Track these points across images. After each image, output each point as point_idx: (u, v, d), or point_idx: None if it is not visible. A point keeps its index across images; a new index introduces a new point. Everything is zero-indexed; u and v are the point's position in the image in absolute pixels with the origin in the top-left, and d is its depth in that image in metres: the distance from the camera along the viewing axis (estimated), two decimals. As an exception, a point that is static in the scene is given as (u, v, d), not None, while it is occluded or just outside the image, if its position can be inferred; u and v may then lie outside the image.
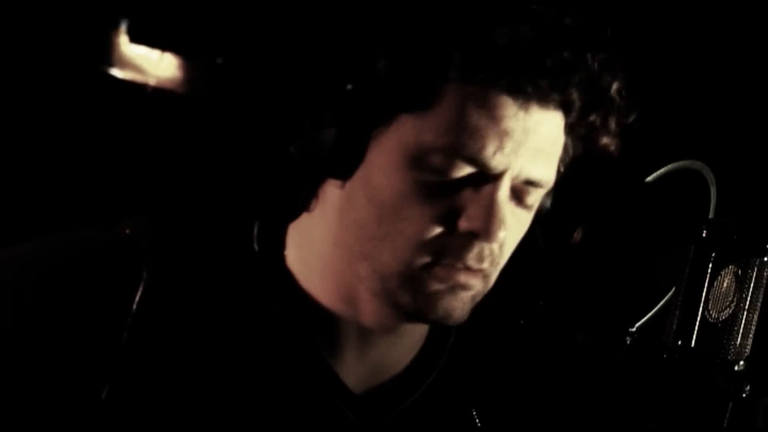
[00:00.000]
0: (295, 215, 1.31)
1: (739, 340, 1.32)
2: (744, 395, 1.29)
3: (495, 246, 1.23)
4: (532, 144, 1.21)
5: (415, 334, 1.33)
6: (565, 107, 1.22)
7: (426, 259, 1.22)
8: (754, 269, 1.32)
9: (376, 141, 1.22)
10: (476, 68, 1.19)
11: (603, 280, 1.33)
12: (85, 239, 1.30)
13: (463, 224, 1.21)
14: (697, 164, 1.33)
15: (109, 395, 1.22)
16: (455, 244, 1.22)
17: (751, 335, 1.32)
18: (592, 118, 1.23)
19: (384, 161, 1.22)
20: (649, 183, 1.33)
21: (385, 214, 1.22)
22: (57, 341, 1.22)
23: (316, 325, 1.29)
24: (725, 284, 1.33)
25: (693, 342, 1.33)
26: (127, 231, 1.30)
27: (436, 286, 1.23)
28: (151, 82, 2.30)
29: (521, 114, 1.20)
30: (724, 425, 1.30)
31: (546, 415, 1.36)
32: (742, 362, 1.31)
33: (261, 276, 1.29)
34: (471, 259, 1.23)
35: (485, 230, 1.20)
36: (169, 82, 2.28)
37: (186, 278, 1.28)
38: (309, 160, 1.24)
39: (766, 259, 1.32)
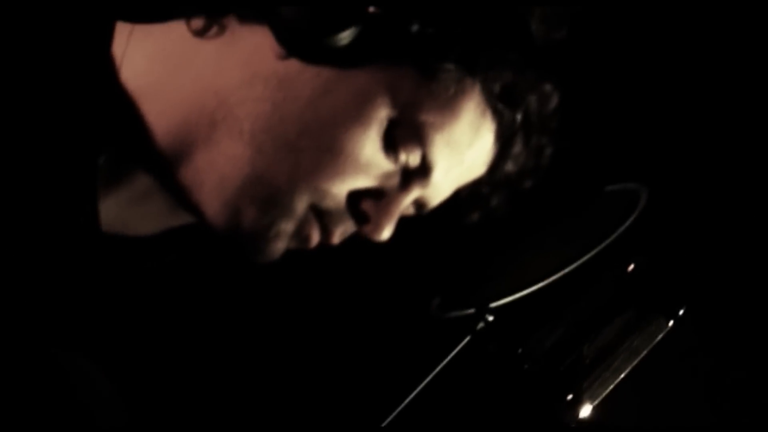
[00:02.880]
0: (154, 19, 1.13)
1: (588, 383, 1.23)
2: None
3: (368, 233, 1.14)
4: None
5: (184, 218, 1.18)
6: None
7: (314, 198, 1.10)
8: (650, 325, 1.23)
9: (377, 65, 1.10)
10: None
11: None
12: None
13: (365, 205, 1.13)
14: (642, 190, 1.26)
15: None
16: (347, 206, 1.13)
17: (609, 387, 1.22)
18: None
19: (363, 80, 1.10)
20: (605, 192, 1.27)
21: (316, 128, 1.09)
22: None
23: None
24: (614, 325, 1.23)
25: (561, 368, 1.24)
26: None
27: (290, 226, 1.12)
28: None
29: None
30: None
31: None
32: (590, 407, 1.22)
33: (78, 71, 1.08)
34: (337, 233, 1.14)
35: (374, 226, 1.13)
36: None
37: None
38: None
39: (670, 323, 1.22)
